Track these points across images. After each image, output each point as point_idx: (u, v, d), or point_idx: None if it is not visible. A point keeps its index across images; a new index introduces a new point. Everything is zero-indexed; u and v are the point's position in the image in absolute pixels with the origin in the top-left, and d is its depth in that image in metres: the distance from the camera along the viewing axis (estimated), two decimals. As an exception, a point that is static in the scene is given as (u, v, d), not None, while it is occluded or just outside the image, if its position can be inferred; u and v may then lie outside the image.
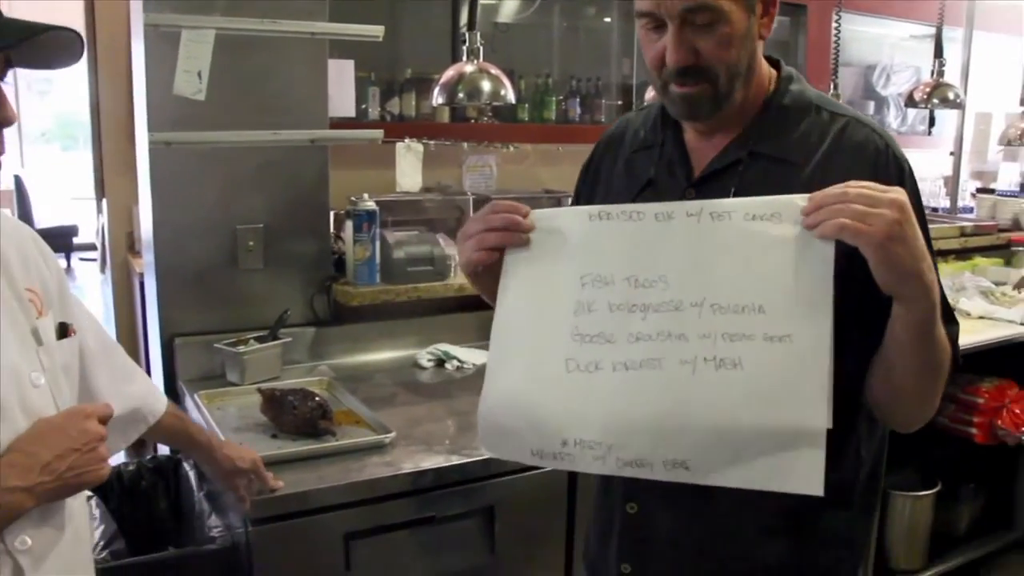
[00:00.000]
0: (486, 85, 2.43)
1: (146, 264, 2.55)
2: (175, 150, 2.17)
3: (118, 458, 2.32)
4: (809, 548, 1.24)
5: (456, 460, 1.82)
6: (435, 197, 3.16)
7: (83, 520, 1.23)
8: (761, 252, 1.06)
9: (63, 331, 1.21)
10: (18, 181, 9.09)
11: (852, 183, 1.02)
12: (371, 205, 2.43)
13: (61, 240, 9.32)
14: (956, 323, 1.19)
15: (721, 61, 1.14)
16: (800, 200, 1.06)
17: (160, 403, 1.50)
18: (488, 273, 1.23)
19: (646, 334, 1.09)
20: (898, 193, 1.00)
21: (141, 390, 1.45)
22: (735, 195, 1.15)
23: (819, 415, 1.01)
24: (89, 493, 1.90)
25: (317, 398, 1.93)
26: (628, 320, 1.11)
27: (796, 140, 1.19)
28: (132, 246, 3.65)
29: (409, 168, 2.55)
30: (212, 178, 2.29)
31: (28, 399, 1.09)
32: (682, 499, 1.22)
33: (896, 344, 1.09)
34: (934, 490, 2.89)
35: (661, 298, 1.10)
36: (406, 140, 2.55)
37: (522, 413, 1.15)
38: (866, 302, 1.08)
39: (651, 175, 1.27)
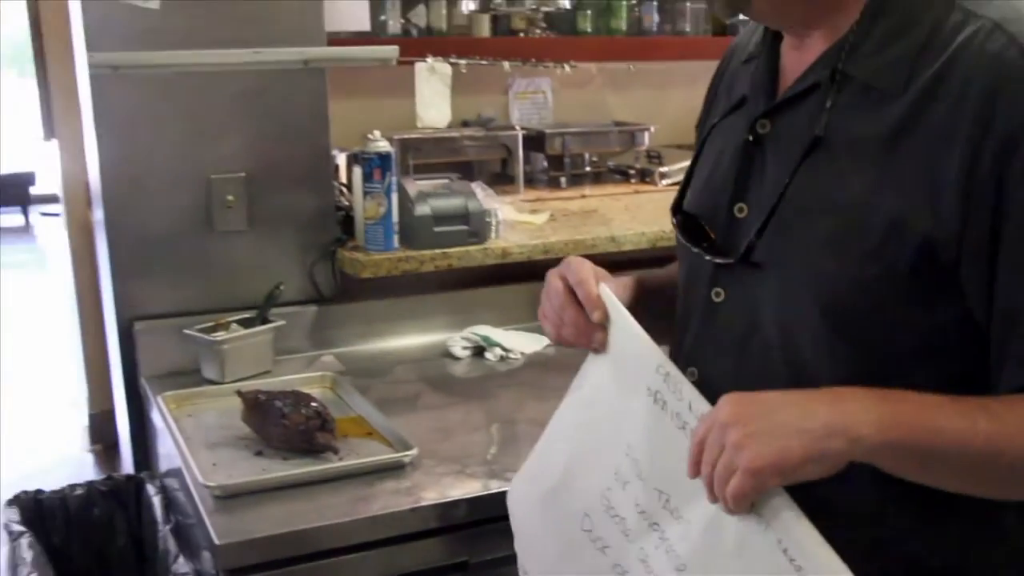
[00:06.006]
0: (534, -15, 2.07)
1: (96, 225, 2.26)
2: (125, 77, 1.94)
3: (65, 477, 2.10)
4: None
5: (497, 487, 1.52)
6: (473, 134, 2.77)
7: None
8: None
9: None
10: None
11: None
12: (384, 146, 2.07)
13: (15, 191, 8.87)
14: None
15: None
16: None
17: None
18: None
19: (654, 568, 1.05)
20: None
21: None
22: (812, 143, 1.00)
23: None
24: (22, 528, 1.71)
25: (313, 404, 1.62)
26: (643, 530, 1.07)
27: (898, 55, 0.97)
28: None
29: (433, 96, 2.23)
30: (176, 113, 2.02)
31: None
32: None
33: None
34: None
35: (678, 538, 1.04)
36: (428, 59, 2.23)
37: (539, 525, 1.24)
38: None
39: (745, 92, 1.15)
